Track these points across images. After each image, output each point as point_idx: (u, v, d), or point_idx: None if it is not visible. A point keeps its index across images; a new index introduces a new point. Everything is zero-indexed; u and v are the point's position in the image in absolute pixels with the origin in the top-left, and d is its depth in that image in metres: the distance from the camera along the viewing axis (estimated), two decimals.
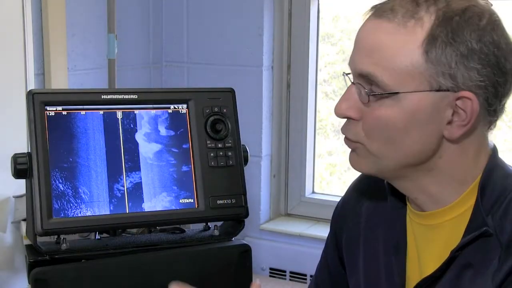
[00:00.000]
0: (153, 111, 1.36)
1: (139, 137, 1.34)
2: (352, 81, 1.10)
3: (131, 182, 1.31)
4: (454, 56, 1.02)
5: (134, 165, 1.32)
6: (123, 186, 1.30)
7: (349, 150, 1.14)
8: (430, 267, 1.11)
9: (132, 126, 1.33)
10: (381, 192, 1.22)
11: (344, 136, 1.13)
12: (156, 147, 1.34)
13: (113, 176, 1.30)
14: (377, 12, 1.07)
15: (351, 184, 1.34)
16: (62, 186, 1.27)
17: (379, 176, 1.15)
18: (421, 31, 1.03)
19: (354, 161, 1.13)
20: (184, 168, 1.35)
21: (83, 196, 1.27)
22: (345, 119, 1.12)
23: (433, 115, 1.05)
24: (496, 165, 1.11)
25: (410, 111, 1.04)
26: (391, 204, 1.19)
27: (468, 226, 1.08)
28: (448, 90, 1.03)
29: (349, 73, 1.11)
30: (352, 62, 1.10)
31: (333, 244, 1.33)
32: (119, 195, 1.29)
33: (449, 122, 1.05)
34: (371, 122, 1.07)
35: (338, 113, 1.10)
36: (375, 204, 1.24)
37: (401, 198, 1.19)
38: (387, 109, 1.05)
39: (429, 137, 1.06)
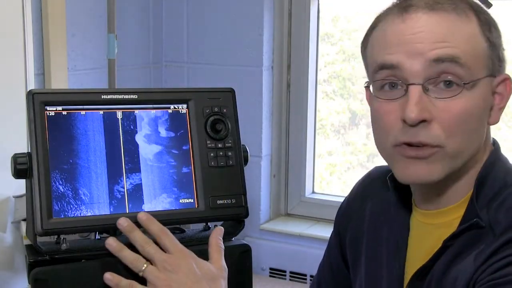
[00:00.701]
0: (153, 111, 1.36)
1: (139, 138, 1.34)
2: (412, 82, 1.04)
3: (131, 183, 1.31)
4: (500, 40, 1.07)
5: (134, 166, 1.32)
6: (123, 188, 1.30)
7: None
8: None
9: (132, 127, 1.33)
10: (386, 192, 1.22)
11: (416, 147, 1.04)
12: (156, 148, 1.34)
13: (113, 177, 1.30)
14: (426, 5, 1.05)
15: (356, 184, 1.34)
16: (62, 188, 1.27)
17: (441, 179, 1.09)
18: (473, 18, 1.05)
19: (423, 171, 1.06)
20: (184, 170, 1.35)
21: (83, 198, 1.27)
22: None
23: (489, 100, 1.07)
24: (498, 160, 1.12)
25: (482, 97, 1.06)
26: (397, 204, 1.19)
27: (463, 218, 1.08)
28: (495, 74, 1.07)
29: (390, 80, 1.06)
30: (418, 56, 1.03)
31: (337, 243, 1.33)
32: (119, 196, 1.29)
33: (491, 108, 1.08)
34: (455, 116, 1.03)
35: (415, 118, 1.03)
36: (380, 203, 1.24)
37: (407, 198, 1.19)
38: (468, 98, 1.04)
39: (485, 125, 1.09)
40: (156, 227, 1.14)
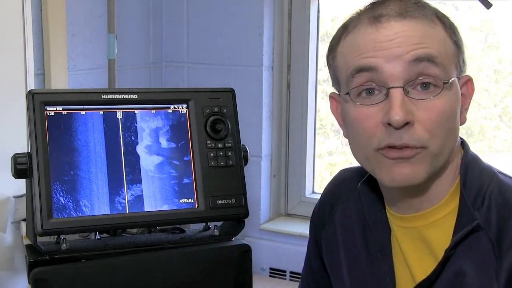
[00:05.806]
0: (154, 111, 1.35)
1: (140, 149, 1.34)
2: (392, 85, 1.04)
3: (132, 194, 1.31)
4: (463, 43, 1.10)
5: (135, 177, 1.32)
6: (124, 199, 1.30)
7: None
8: (418, 268, 1.11)
9: (133, 138, 1.33)
10: (355, 195, 1.22)
11: (400, 148, 1.04)
12: (157, 159, 1.34)
13: (114, 188, 1.30)
14: (397, 14, 1.07)
15: (325, 189, 1.33)
16: (63, 200, 1.26)
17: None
18: (439, 23, 1.08)
19: (408, 171, 1.05)
20: (186, 180, 1.35)
21: (84, 209, 1.27)
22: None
23: (459, 100, 1.09)
24: (470, 160, 1.12)
25: (456, 97, 1.08)
26: (368, 208, 1.19)
27: (458, 222, 1.07)
28: (460, 76, 1.09)
29: (368, 86, 1.06)
30: (396, 59, 1.04)
31: (315, 249, 1.32)
32: (120, 208, 1.29)
33: (460, 108, 1.10)
34: (436, 116, 1.05)
35: (400, 121, 1.03)
36: (350, 209, 1.24)
37: (379, 200, 1.18)
38: (447, 98, 1.06)
39: (459, 124, 1.10)
40: None
